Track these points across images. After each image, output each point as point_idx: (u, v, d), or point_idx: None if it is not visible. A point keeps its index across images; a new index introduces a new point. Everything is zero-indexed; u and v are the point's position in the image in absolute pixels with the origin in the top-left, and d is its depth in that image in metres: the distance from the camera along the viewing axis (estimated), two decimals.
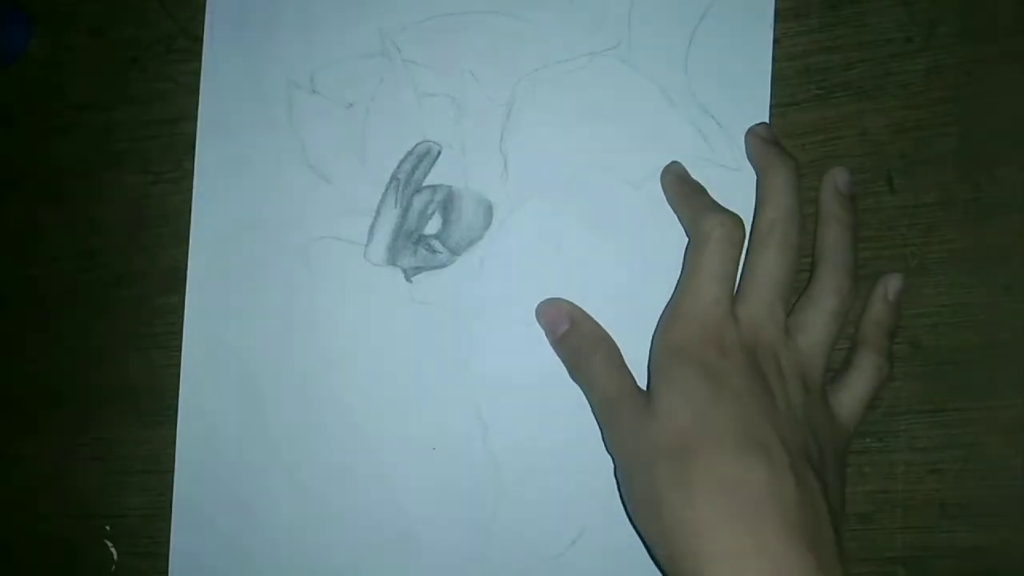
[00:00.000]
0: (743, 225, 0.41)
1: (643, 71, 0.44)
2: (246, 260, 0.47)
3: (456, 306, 0.45)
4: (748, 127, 0.43)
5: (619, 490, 0.41)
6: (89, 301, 0.49)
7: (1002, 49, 0.42)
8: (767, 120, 0.43)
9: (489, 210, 0.45)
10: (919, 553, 0.42)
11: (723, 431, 0.37)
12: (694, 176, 0.43)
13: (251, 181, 0.47)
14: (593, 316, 0.43)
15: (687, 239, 0.42)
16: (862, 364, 0.41)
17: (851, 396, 0.41)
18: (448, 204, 0.46)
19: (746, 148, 0.43)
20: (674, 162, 0.44)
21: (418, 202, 0.46)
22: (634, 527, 0.40)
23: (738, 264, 0.41)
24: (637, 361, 0.42)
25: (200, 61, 0.48)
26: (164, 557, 0.47)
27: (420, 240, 0.46)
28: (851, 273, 0.41)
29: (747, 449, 0.37)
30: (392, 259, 0.46)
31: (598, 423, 0.42)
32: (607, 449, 0.42)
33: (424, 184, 0.46)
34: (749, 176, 0.43)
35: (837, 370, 0.42)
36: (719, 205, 0.41)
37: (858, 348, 0.41)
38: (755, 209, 0.42)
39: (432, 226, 0.46)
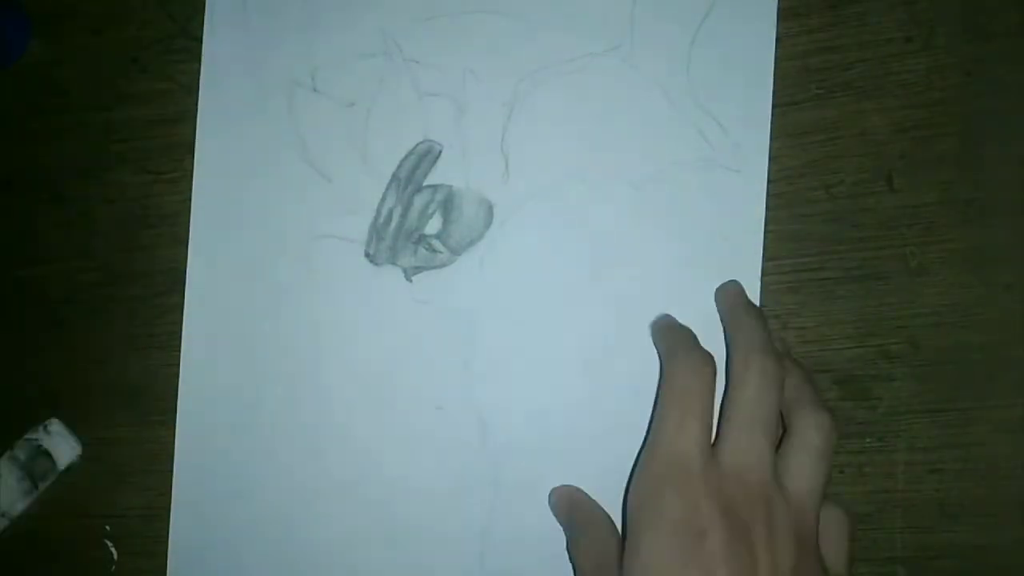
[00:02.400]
0: (713, 358, 0.39)
1: (645, 72, 0.44)
2: (246, 260, 0.47)
3: (456, 306, 0.45)
4: (746, 131, 0.43)
5: None
6: (89, 301, 0.49)
7: (1002, 49, 0.42)
8: (768, 120, 0.43)
9: (490, 210, 0.45)
10: (919, 553, 0.42)
11: None
12: (696, 177, 0.43)
13: (251, 180, 0.47)
14: (593, 316, 0.43)
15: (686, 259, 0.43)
16: (807, 443, 0.38)
17: (807, 483, 0.37)
18: (449, 204, 0.46)
19: (717, 305, 0.42)
20: (732, 281, 0.42)
21: (419, 201, 0.46)
22: None
23: (712, 398, 0.38)
24: (643, 362, 0.42)
25: (200, 61, 0.48)
26: (164, 557, 0.47)
27: (420, 240, 0.46)
28: (827, 408, 0.38)
29: None
30: (392, 258, 0.46)
31: None
32: None
33: (425, 184, 0.46)
34: (750, 177, 0.43)
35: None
36: (694, 345, 0.40)
37: (792, 418, 0.39)
38: (727, 354, 0.40)
39: (432, 226, 0.46)
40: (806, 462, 0.37)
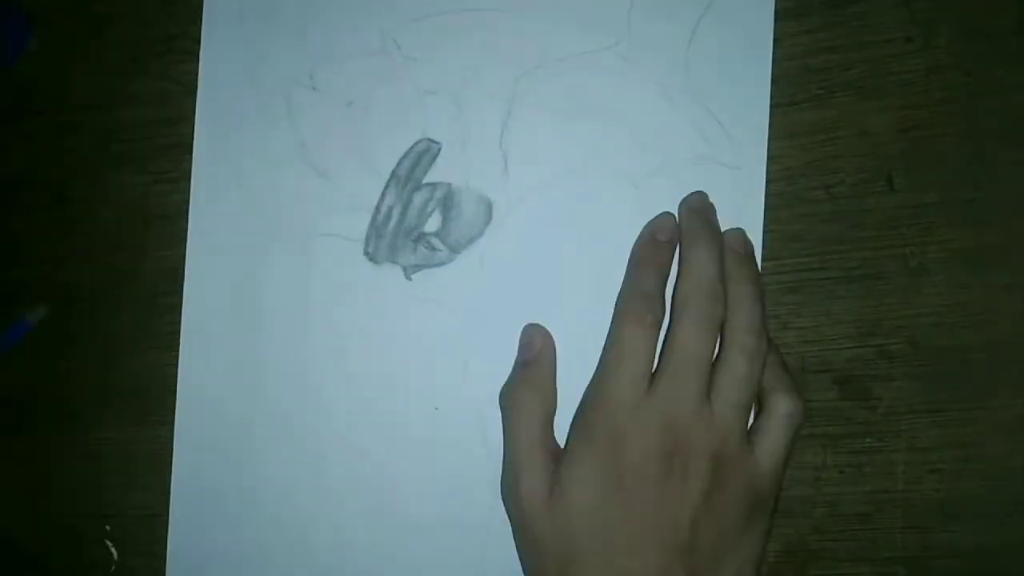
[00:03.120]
0: (660, 310, 0.41)
1: (643, 69, 0.44)
2: (245, 259, 0.47)
3: (456, 304, 0.45)
4: (745, 128, 0.43)
5: (514, 537, 0.42)
6: (89, 301, 0.49)
7: (1002, 49, 0.42)
8: (767, 119, 0.43)
9: (489, 208, 0.45)
10: (919, 553, 0.42)
11: (609, 536, 0.39)
12: (694, 174, 0.43)
13: (250, 179, 0.47)
14: (593, 314, 0.43)
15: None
16: (772, 410, 0.41)
17: (770, 444, 0.41)
18: (448, 202, 0.46)
19: (679, 220, 0.43)
20: (696, 194, 0.43)
21: (418, 200, 0.46)
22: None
23: (655, 345, 0.41)
24: None
25: (200, 61, 0.48)
26: (164, 557, 0.47)
27: (420, 238, 0.46)
28: (757, 331, 0.41)
29: (627, 554, 0.39)
30: (392, 257, 0.46)
31: (503, 461, 0.43)
32: (503, 496, 0.42)
33: (424, 182, 0.46)
34: (749, 175, 0.43)
35: (756, 418, 0.42)
36: (653, 281, 0.42)
37: (766, 393, 0.41)
38: (675, 281, 0.42)
39: (432, 224, 0.46)
40: (729, 387, 0.40)
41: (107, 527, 0.49)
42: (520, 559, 0.42)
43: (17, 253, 0.50)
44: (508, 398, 0.43)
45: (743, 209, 0.43)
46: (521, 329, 0.45)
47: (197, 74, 0.48)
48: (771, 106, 0.43)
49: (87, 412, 0.49)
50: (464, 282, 0.45)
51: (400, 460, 0.46)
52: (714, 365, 0.41)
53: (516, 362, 0.44)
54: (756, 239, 0.43)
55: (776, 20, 0.43)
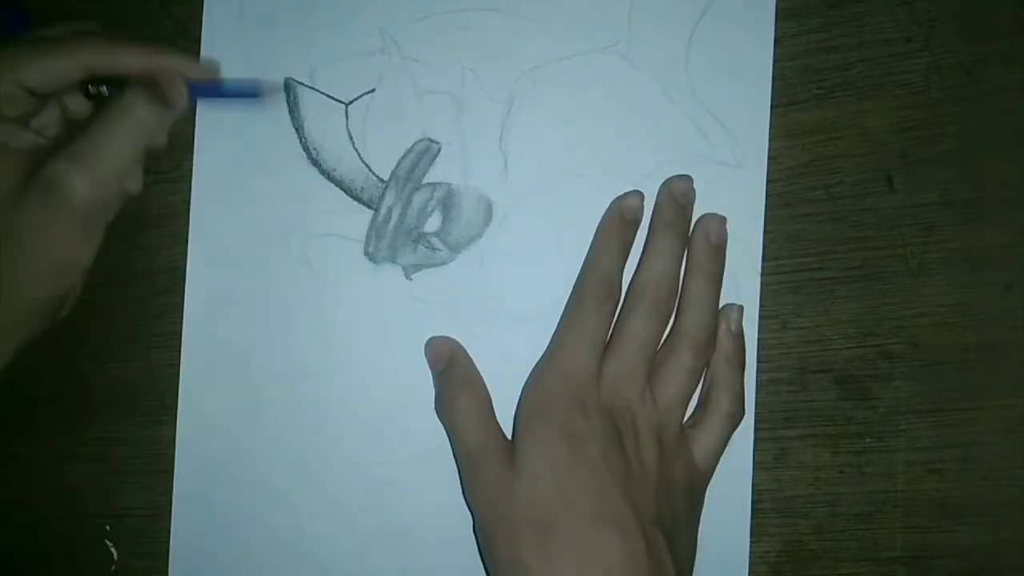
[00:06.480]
0: (618, 292, 0.42)
1: (643, 68, 0.44)
2: (246, 259, 0.47)
3: (456, 303, 0.45)
4: (745, 126, 0.43)
5: (478, 544, 0.42)
6: (89, 301, 0.49)
7: (1002, 49, 0.42)
8: (768, 117, 0.43)
9: (489, 208, 0.45)
10: (919, 553, 0.42)
11: (582, 502, 0.39)
12: (694, 174, 0.43)
13: (251, 180, 0.47)
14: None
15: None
16: (713, 407, 0.42)
17: (707, 439, 0.42)
18: (448, 202, 0.46)
19: (657, 196, 0.44)
20: (680, 178, 0.44)
21: (418, 200, 0.46)
22: None
23: (609, 325, 0.42)
24: None
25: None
26: (164, 557, 0.47)
27: (420, 238, 0.46)
28: (707, 327, 0.42)
29: (603, 520, 0.39)
30: (392, 257, 0.46)
31: (459, 473, 0.43)
32: (466, 502, 0.42)
33: (424, 182, 0.46)
34: (750, 173, 0.43)
35: (695, 411, 0.43)
36: (615, 263, 0.43)
37: (710, 389, 0.43)
38: (638, 263, 0.43)
39: (432, 224, 0.46)
40: (673, 377, 0.42)
41: (107, 527, 0.49)
42: (487, 561, 0.42)
43: None
44: (441, 407, 0.44)
45: (745, 206, 0.43)
46: (521, 330, 0.45)
47: None
48: (771, 106, 0.43)
49: (87, 412, 0.49)
50: (464, 282, 0.45)
51: (401, 459, 0.46)
52: (661, 352, 0.42)
53: (434, 375, 0.45)
54: (756, 239, 0.43)
55: (776, 20, 0.43)
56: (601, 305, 0.42)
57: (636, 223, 0.43)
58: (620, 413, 0.41)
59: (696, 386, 0.43)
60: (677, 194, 0.43)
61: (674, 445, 0.41)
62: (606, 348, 0.42)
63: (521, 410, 0.42)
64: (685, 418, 0.43)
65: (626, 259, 0.43)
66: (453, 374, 0.44)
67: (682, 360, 0.42)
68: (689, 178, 0.43)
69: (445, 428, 0.44)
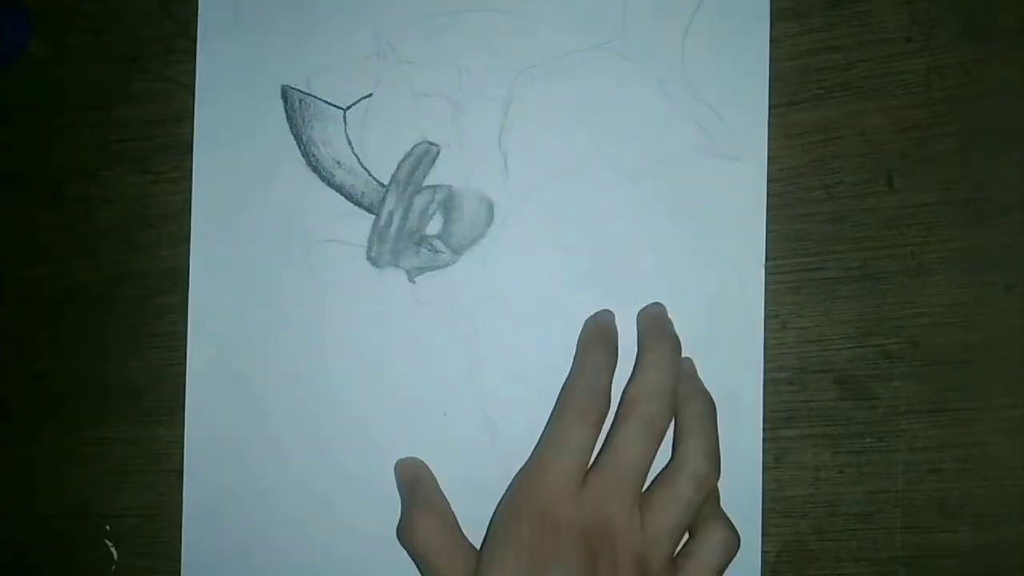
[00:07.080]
0: (604, 403, 0.41)
1: (639, 64, 0.44)
2: (247, 264, 0.47)
3: (460, 305, 0.45)
4: (744, 118, 0.43)
5: None
6: (89, 301, 0.49)
7: (1002, 49, 0.42)
8: (766, 108, 0.43)
9: (490, 208, 0.45)
10: (919, 553, 0.42)
11: None
12: (694, 169, 0.43)
13: (250, 187, 0.47)
14: (595, 310, 0.44)
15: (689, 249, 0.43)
16: (708, 535, 0.40)
17: (700, 569, 0.39)
18: (449, 204, 0.46)
19: (637, 326, 0.43)
20: (653, 304, 0.43)
21: (419, 203, 0.46)
22: None
23: (594, 437, 0.40)
24: (630, 349, 0.43)
25: (197, 62, 0.48)
26: (164, 557, 0.47)
27: (422, 241, 0.46)
28: (712, 458, 0.40)
29: None
30: (394, 260, 0.46)
31: None
32: None
33: (424, 184, 0.46)
34: (749, 166, 0.43)
35: (688, 543, 0.41)
36: (602, 375, 0.41)
37: (702, 520, 0.40)
38: (629, 378, 0.42)
39: (433, 226, 0.46)
40: (669, 505, 0.39)
41: (107, 527, 0.49)
42: None
43: (17, 253, 0.50)
44: (402, 533, 0.42)
45: (746, 199, 0.43)
46: (526, 330, 0.44)
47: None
48: (771, 106, 0.43)
49: (87, 412, 0.49)
50: (468, 283, 0.45)
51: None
52: (659, 477, 0.40)
53: (401, 497, 0.44)
54: (757, 236, 0.43)
55: (776, 20, 0.43)
56: (583, 416, 0.40)
57: (614, 334, 0.42)
58: (598, 532, 0.38)
59: (692, 519, 0.40)
60: (654, 313, 0.43)
61: (659, 570, 0.39)
62: (594, 460, 0.40)
63: (490, 527, 0.41)
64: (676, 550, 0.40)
65: (613, 370, 0.42)
66: (416, 497, 0.43)
67: (682, 490, 0.39)
68: (659, 303, 0.43)
69: (408, 554, 0.42)
